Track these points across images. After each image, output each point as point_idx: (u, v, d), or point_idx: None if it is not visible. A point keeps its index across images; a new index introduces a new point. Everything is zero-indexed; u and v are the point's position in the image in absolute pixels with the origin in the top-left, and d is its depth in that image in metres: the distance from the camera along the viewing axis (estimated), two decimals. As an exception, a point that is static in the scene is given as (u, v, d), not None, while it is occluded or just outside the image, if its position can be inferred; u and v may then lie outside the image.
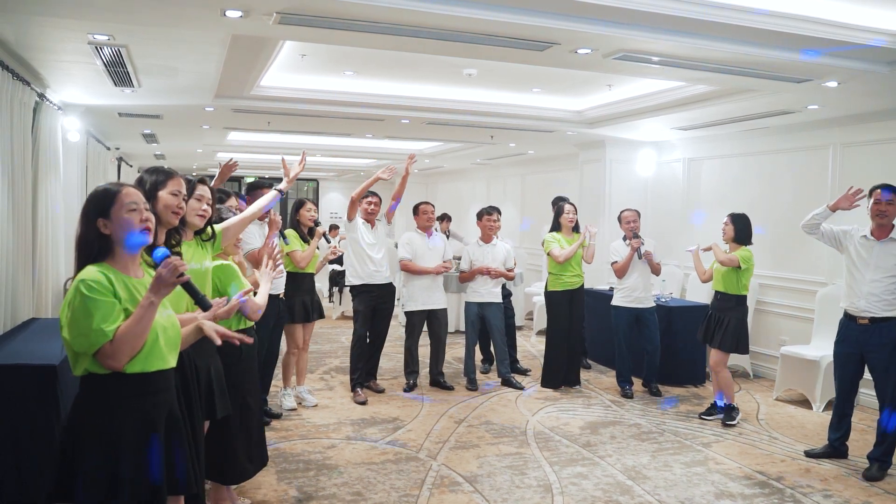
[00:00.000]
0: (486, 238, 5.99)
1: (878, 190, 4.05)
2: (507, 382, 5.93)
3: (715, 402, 5.09)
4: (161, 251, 2.01)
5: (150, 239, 2.07)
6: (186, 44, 4.11)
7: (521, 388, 5.84)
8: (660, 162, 7.84)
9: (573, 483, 3.85)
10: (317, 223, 5.07)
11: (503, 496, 3.66)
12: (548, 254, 5.78)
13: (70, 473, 1.94)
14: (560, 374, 5.88)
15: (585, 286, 5.99)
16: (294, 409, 5.04)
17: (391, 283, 5.63)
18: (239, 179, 16.46)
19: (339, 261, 8.86)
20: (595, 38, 3.59)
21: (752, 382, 6.22)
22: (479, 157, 10.88)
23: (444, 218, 8.75)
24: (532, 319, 8.89)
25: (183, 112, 6.60)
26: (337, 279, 9.46)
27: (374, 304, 5.45)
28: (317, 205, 9.26)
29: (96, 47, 4.11)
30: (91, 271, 1.94)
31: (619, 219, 5.80)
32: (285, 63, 5.09)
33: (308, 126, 7.64)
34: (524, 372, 6.37)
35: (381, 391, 5.63)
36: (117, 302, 1.94)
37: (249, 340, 2.32)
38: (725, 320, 4.84)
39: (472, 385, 5.82)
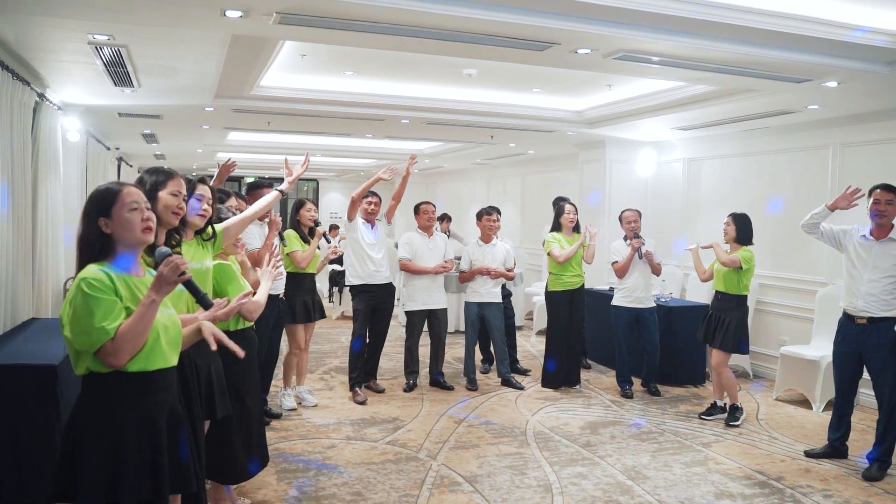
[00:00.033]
0: (486, 238, 5.99)
1: (878, 190, 4.05)
2: (506, 382, 5.93)
3: (715, 402, 5.10)
4: (163, 250, 2.01)
5: (152, 238, 2.07)
6: (186, 44, 4.11)
7: (521, 388, 5.84)
8: (660, 162, 7.84)
9: (573, 483, 3.85)
10: (317, 223, 5.08)
11: (503, 496, 3.66)
12: (548, 254, 5.78)
13: (71, 473, 1.94)
14: (560, 373, 5.88)
15: (585, 286, 5.99)
16: (294, 409, 5.04)
17: (391, 283, 5.63)
18: (239, 179, 16.46)
19: (339, 261, 8.87)
20: (595, 38, 3.59)
21: (752, 382, 6.22)
22: (479, 157, 10.88)
23: (445, 218, 8.74)
24: (532, 319, 8.89)
25: (183, 112, 6.60)
26: (337, 279, 9.46)
27: (373, 303, 5.45)
28: (317, 205, 9.26)
29: (96, 47, 4.11)
30: (92, 270, 1.95)
31: (620, 219, 5.81)
32: (285, 63, 5.09)
33: (308, 126, 7.64)
34: (524, 372, 6.37)
35: (382, 391, 5.63)
36: (118, 300, 1.94)
37: (241, 354, 2.31)
38: (726, 320, 4.84)
39: (472, 385, 5.82)
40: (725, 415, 5.07)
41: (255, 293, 3.02)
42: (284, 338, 5.04)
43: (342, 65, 5.25)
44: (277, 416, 4.86)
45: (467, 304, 6.01)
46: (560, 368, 5.87)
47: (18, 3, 3.26)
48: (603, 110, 6.45)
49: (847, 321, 4.17)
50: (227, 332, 2.49)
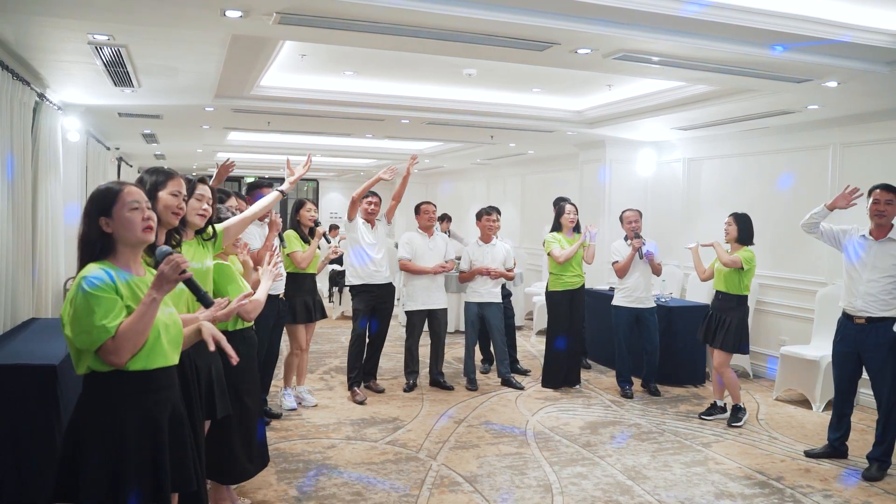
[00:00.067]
0: (486, 238, 5.99)
1: (877, 190, 4.05)
2: (506, 382, 5.93)
3: (715, 402, 5.10)
4: (163, 249, 2.01)
5: (153, 238, 2.08)
6: (186, 44, 4.11)
7: (521, 388, 5.84)
8: (660, 162, 7.84)
9: (573, 483, 3.85)
10: (317, 223, 5.07)
11: (503, 496, 3.66)
12: (548, 254, 5.78)
13: (72, 473, 1.94)
14: (560, 374, 5.88)
15: (586, 286, 5.98)
16: (294, 409, 5.04)
17: (391, 283, 5.63)
18: (239, 179, 16.47)
19: (339, 261, 8.87)
20: (595, 38, 3.59)
21: (751, 382, 6.22)
22: (479, 157, 10.89)
23: (445, 218, 8.74)
24: (532, 319, 8.89)
25: (183, 112, 6.60)
26: (337, 279, 9.46)
27: (373, 303, 5.45)
28: (317, 205, 9.25)
29: (96, 47, 4.11)
30: (93, 269, 1.95)
31: (621, 219, 5.81)
32: (285, 63, 5.09)
33: (308, 126, 7.65)
34: (524, 372, 6.37)
35: (381, 391, 5.63)
36: (119, 299, 1.94)
37: (234, 361, 2.31)
38: (727, 320, 4.84)
39: (472, 385, 5.82)
40: (725, 414, 5.07)
41: (254, 293, 3.01)
42: (285, 338, 5.04)
43: (342, 65, 5.25)
44: (277, 416, 4.86)
45: (467, 304, 6.01)
46: (560, 368, 5.87)
47: (18, 3, 3.26)
48: (603, 110, 6.45)
49: (846, 321, 4.17)
50: (226, 332, 2.49)
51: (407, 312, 5.85)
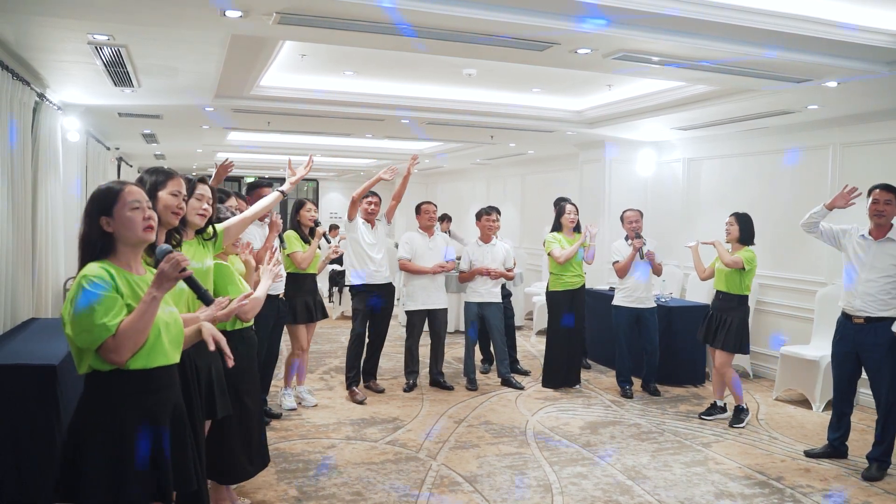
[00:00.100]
0: (486, 238, 5.99)
1: (877, 190, 4.05)
2: (506, 382, 5.93)
3: (714, 402, 5.10)
4: (163, 247, 2.02)
5: (153, 237, 2.08)
6: (186, 44, 4.11)
7: (521, 388, 5.84)
8: (660, 162, 7.84)
9: (573, 483, 3.85)
10: (317, 223, 5.07)
11: (503, 496, 3.66)
12: (548, 254, 5.78)
13: (73, 473, 1.94)
14: (560, 374, 5.88)
15: (586, 286, 5.98)
16: (294, 409, 5.04)
17: (391, 283, 5.63)
18: (239, 179, 16.47)
19: (339, 261, 8.86)
20: (595, 38, 3.59)
21: (751, 382, 6.22)
22: (479, 157, 10.89)
23: (445, 218, 8.75)
24: (532, 319, 8.89)
25: (183, 112, 6.60)
26: (337, 279, 9.46)
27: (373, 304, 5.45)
28: (317, 205, 9.25)
29: (96, 47, 4.11)
30: (93, 268, 1.95)
31: (622, 218, 5.80)
32: (285, 63, 5.09)
33: (308, 126, 7.64)
34: (524, 373, 6.37)
35: (381, 391, 5.63)
36: (119, 297, 1.95)
37: (230, 364, 2.32)
38: (728, 320, 4.83)
39: (472, 385, 5.82)
40: (725, 414, 5.07)
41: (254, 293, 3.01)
42: (285, 338, 5.04)
43: (342, 65, 5.25)
44: (277, 416, 4.86)
45: (467, 304, 6.01)
46: (560, 368, 5.87)
47: (18, 3, 3.26)
48: (603, 110, 6.45)
49: (845, 320, 4.18)
50: (225, 332, 2.49)
51: (407, 312, 5.85)
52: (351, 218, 5.42)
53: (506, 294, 6.33)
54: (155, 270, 2.00)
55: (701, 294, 6.61)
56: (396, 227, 13.16)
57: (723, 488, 3.82)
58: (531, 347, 7.69)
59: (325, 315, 5.16)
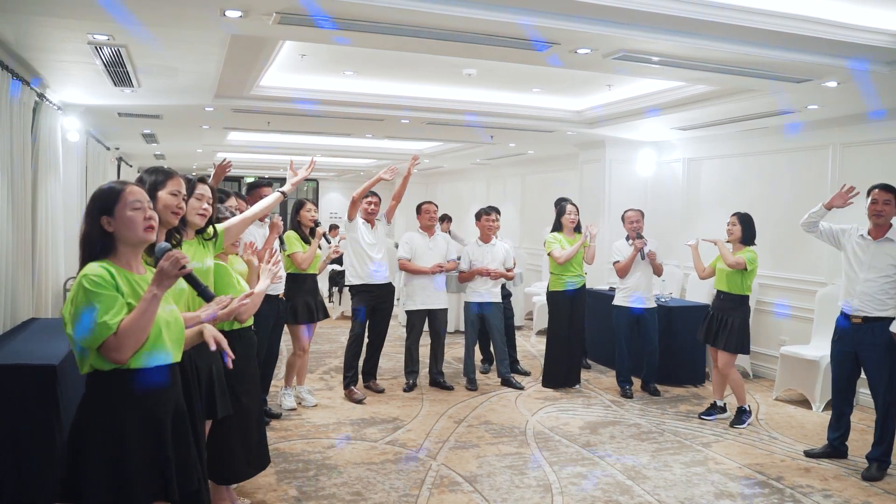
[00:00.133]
0: (486, 238, 6.00)
1: (876, 190, 4.05)
2: (506, 382, 5.93)
3: (714, 402, 5.10)
4: (163, 245, 2.02)
5: (154, 237, 2.08)
6: (186, 44, 4.11)
7: (521, 388, 5.84)
8: (660, 162, 7.84)
9: (573, 483, 3.85)
10: (317, 223, 5.07)
11: (503, 496, 3.66)
12: (549, 254, 5.78)
13: (75, 473, 1.94)
14: (560, 374, 5.88)
15: (586, 286, 5.98)
16: (294, 409, 5.04)
17: (391, 283, 5.63)
18: (239, 179, 16.47)
19: (339, 261, 8.87)
20: (595, 38, 3.59)
21: (751, 382, 6.22)
22: (479, 157, 10.89)
23: (445, 219, 8.74)
24: (532, 319, 8.89)
25: (183, 112, 6.60)
26: (337, 279, 9.46)
27: (373, 303, 5.45)
28: (317, 205, 9.25)
29: (96, 47, 4.11)
30: (93, 267, 1.96)
31: (623, 218, 5.80)
32: (285, 63, 5.09)
33: (308, 126, 7.65)
34: (525, 374, 6.37)
35: (381, 391, 5.63)
36: (120, 296, 1.95)
37: (230, 365, 2.32)
38: (729, 321, 4.83)
39: (472, 385, 5.82)
40: (725, 414, 5.07)
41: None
42: (285, 338, 5.04)
43: (342, 65, 5.25)
44: (277, 416, 4.86)
45: (467, 304, 6.01)
46: (560, 368, 5.87)
47: (18, 3, 3.26)
48: (603, 110, 6.45)
49: (844, 320, 4.18)
50: (222, 332, 2.49)
51: (407, 312, 5.86)
52: (351, 218, 5.42)
53: (506, 294, 6.33)
54: (155, 269, 2.00)
55: (701, 294, 6.61)
56: (396, 227, 13.16)
57: (723, 488, 3.82)
58: (531, 347, 7.69)
59: (326, 315, 5.16)
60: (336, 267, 9.29)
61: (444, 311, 5.79)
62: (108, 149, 8.99)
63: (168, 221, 2.44)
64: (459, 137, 8.53)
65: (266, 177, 14.84)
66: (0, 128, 4.05)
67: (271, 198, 3.27)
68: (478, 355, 6.37)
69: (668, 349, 5.92)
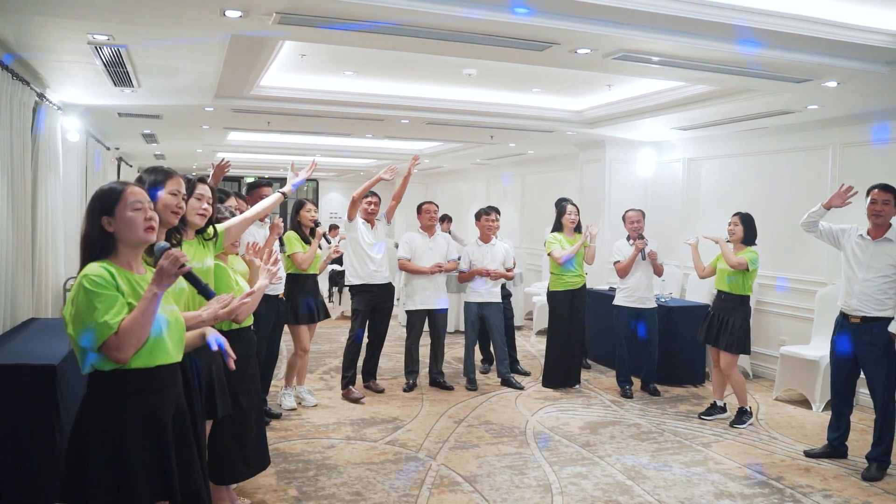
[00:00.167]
0: (485, 238, 6.00)
1: (875, 190, 4.05)
2: (506, 382, 5.93)
3: (714, 402, 5.09)
4: (162, 244, 2.02)
5: (154, 238, 2.08)
6: (186, 44, 4.10)
7: (521, 388, 5.84)
8: (660, 162, 7.84)
9: (573, 483, 3.85)
10: (317, 224, 5.07)
11: (503, 496, 3.66)
12: (549, 254, 5.79)
13: (77, 474, 1.94)
14: (560, 373, 5.88)
15: (586, 286, 5.98)
16: (294, 409, 5.04)
17: (390, 283, 5.63)
18: (239, 179, 16.47)
19: (339, 261, 8.87)
20: (595, 38, 3.59)
21: (751, 382, 6.22)
22: (479, 157, 10.89)
23: (445, 219, 8.74)
24: (532, 319, 8.89)
25: (183, 112, 6.60)
26: (337, 279, 9.46)
27: (373, 303, 5.45)
28: (317, 205, 9.25)
29: (96, 47, 4.11)
30: (94, 267, 1.96)
31: (624, 219, 5.81)
32: (285, 63, 5.09)
33: (308, 126, 7.64)
34: (525, 374, 6.37)
35: (381, 391, 5.63)
36: (120, 295, 1.95)
37: (231, 366, 2.32)
38: (730, 321, 4.82)
39: (472, 385, 5.82)
40: (725, 414, 5.07)
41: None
42: (285, 338, 5.03)
43: (342, 65, 5.25)
44: (277, 416, 4.86)
45: (467, 304, 6.01)
46: (560, 368, 5.87)
47: (18, 3, 3.26)
48: (603, 110, 6.45)
49: (843, 320, 4.18)
50: (221, 332, 2.48)
51: (407, 312, 5.85)
52: (351, 218, 5.42)
53: (506, 294, 6.33)
54: (154, 269, 2.00)
55: (701, 294, 6.61)
56: (396, 227, 13.16)
57: (723, 488, 3.82)
58: (531, 347, 7.69)
59: (326, 315, 5.16)
60: (336, 267, 9.29)
61: (444, 310, 5.79)
62: (108, 149, 8.98)
63: (168, 221, 2.44)
64: (459, 137, 8.53)
65: (266, 177, 14.84)
66: (0, 128, 4.05)
67: (272, 198, 3.27)
68: (478, 355, 6.37)
69: (668, 349, 5.92)
